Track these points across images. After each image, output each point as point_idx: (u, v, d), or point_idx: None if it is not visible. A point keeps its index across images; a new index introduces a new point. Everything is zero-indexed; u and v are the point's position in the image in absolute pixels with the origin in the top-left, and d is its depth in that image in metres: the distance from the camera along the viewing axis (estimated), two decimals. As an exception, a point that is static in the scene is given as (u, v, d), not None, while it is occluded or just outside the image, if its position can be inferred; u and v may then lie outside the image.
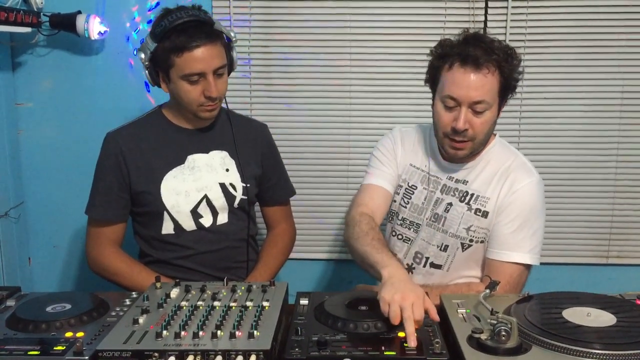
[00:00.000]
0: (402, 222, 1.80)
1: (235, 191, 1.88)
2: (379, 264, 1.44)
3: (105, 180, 1.79)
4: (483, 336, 1.19)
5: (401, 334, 1.21)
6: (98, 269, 1.82)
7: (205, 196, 1.84)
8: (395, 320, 1.21)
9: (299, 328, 1.23)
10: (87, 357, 1.13)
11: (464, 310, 1.35)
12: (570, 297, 1.37)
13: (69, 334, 1.22)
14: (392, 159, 1.81)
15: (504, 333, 1.15)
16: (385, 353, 1.14)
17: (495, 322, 1.18)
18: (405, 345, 1.16)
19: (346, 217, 1.75)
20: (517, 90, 1.67)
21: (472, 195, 1.70)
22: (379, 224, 1.72)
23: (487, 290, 1.39)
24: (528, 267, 1.67)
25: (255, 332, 1.18)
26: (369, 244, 1.54)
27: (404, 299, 1.24)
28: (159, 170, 1.80)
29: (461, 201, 1.71)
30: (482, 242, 1.70)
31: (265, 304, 1.33)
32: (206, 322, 1.24)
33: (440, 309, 1.38)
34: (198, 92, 1.72)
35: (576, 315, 1.28)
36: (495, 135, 1.75)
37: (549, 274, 2.34)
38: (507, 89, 1.62)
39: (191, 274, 1.83)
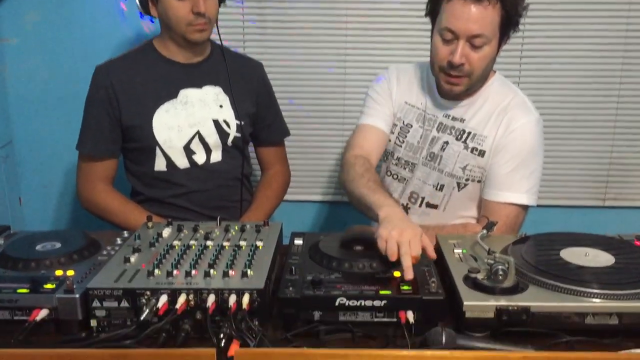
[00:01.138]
0: (397, 161, 1.77)
1: (229, 128, 1.83)
2: (375, 204, 1.41)
3: (95, 115, 1.75)
4: (479, 276, 1.17)
5: (397, 274, 1.19)
6: (89, 207, 1.79)
7: (198, 132, 1.79)
8: (393, 257, 1.19)
9: (293, 268, 1.21)
10: (77, 295, 1.11)
11: (460, 251, 1.33)
12: (568, 237, 1.35)
13: (59, 273, 1.20)
14: (388, 98, 1.76)
15: (501, 272, 1.13)
16: (380, 292, 1.12)
17: (492, 261, 1.16)
18: (402, 286, 1.15)
19: (341, 160, 1.72)
20: (519, 28, 1.60)
21: (469, 133, 1.66)
22: (375, 165, 1.71)
23: (484, 231, 1.37)
24: (525, 207, 1.65)
25: (248, 271, 1.16)
26: (364, 186, 1.52)
27: (401, 235, 1.21)
28: (151, 104, 1.75)
29: (457, 140, 1.67)
30: (478, 181, 1.67)
31: (259, 243, 1.31)
32: (199, 261, 1.22)
33: (437, 249, 1.36)
34: (187, 9, 1.66)
35: (574, 255, 1.26)
36: (495, 72, 1.70)
37: (544, 216, 2.33)
38: (508, 24, 1.56)
39: (184, 212, 1.80)
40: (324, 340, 1.11)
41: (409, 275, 1.15)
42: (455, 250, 1.33)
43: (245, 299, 1.10)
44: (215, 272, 1.17)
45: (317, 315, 1.13)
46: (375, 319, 1.13)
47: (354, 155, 1.68)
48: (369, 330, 1.12)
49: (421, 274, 1.20)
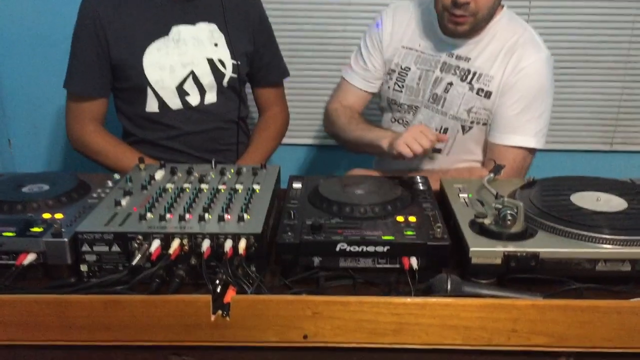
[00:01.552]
0: (400, 107, 1.70)
1: (225, 68, 1.75)
2: (375, 139, 1.48)
3: (82, 49, 1.66)
4: (486, 221, 1.12)
5: (400, 218, 1.14)
6: (79, 148, 1.73)
7: (192, 72, 1.71)
8: (418, 149, 1.39)
9: (292, 212, 1.16)
10: (66, 239, 1.06)
11: (466, 195, 1.28)
12: (578, 181, 1.30)
13: (46, 216, 1.14)
14: (377, 52, 1.71)
15: (509, 218, 1.08)
16: (383, 238, 1.07)
17: (500, 206, 1.11)
18: (406, 231, 1.10)
19: (324, 110, 1.79)
20: None
21: (475, 73, 1.58)
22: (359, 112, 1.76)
23: (491, 175, 1.31)
24: (532, 151, 1.59)
25: (245, 215, 1.11)
26: (356, 129, 1.59)
27: (410, 131, 1.41)
28: (141, 41, 1.66)
29: (462, 80, 1.59)
30: (484, 124, 1.60)
31: (255, 187, 1.25)
32: (193, 205, 1.16)
33: (441, 194, 1.31)
34: None
35: (585, 199, 1.21)
36: (503, 6, 1.60)
37: (548, 160, 2.26)
38: None
39: (177, 155, 1.74)
40: (324, 287, 1.07)
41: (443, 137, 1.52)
42: (461, 195, 1.28)
43: (242, 244, 1.05)
44: (210, 216, 1.11)
45: (316, 261, 1.08)
46: (378, 265, 1.08)
47: (334, 108, 1.74)
48: (371, 276, 1.08)
49: (425, 219, 1.15)
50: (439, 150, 1.67)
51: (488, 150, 1.61)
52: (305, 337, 0.98)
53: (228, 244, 1.05)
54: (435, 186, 1.35)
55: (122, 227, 1.08)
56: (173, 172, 1.33)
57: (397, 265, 1.08)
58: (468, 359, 0.99)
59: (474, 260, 1.06)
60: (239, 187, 1.25)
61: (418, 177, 1.36)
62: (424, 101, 1.65)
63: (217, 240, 1.06)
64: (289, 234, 1.09)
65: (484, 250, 1.06)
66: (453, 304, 0.95)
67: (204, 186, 1.25)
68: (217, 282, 1.00)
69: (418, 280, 1.04)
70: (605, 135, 2.38)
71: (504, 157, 1.54)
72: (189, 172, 1.33)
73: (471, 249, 1.06)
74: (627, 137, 2.38)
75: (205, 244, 1.05)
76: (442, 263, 1.08)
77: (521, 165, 1.56)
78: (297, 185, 1.31)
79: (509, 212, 1.08)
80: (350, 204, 1.17)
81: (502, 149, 1.57)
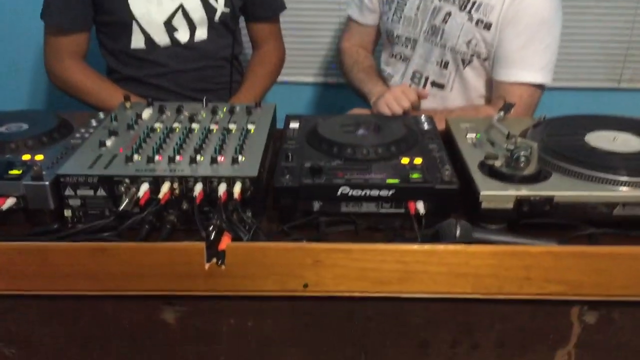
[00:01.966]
0: (397, 40, 1.62)
1: (216, 2, 1.64)
2: (366, 93, 1.55)
3: None
4: (497, 163, 1.05)
5: (405, 160, 1.07)
6: (60, 84, 1.63)
7: (181, 6, 1.60)
8: (396, 109, 1.34)
9: (289, 153, 1.08)
10: (47, 183, 0.99)
11: (474, 135, 1.20)
12: (593, 120, 1.22)
13: (26, 157, 1.07)
14: None
15: (522, 159, 1.01)
16: (387, 181, 1.00)
17: (512, 147, 1.04)
18: (412, 174, 1.02)
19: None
20: None
21: (474, 3, 1.48)
22: (370, 51, 1.79)
23: (501, 113, 1.24)
24: (540, 87, 1.50)
25: (240, 157, 1.03)
26: (355, 78, 1.66)
27: (392, 91, 1.38)
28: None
29: (461, 9, 1.49)
30: (484, 59, 1.51)
31: (250, 126, 1.17)
32: (183, 145, 1.08)
33: (447, 134, 1.24)
34: None
35: (601, 139, 1.13)
36: None
37: (552, 99, 2.17)
38: None
39: (166, 94, 1.65)
40: (325, 233, 1.01)
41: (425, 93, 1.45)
42: (469, 135, 1.20)
43: (237, 188, 0.98)
44: (202, 158, 1.04)
45: (316, 205, 1.01)
46: (382, 210, 1.02)
47: (343, 48, 1.78)
48: (374, 222, 1.02)
49: (432, 161, 1.08)
50: (441, 86, 1.58)
51: (494, 89, 1.53)
52: (305, 286, 0.92)
53: (222, 188, 0.97)
54: (440, 126, 1.28)
55: (108, 170, 1.00)
56: (161, 110, 1.25)
57: (402, 210, 1.01)
58: (478, 308, 0.94)
59: (484, 205, 0.99)
60: (232, 126, 1.17)
61: (423, 116, 1.28)
62: (421, 34, 1.56)
63: (210, 184, 0.99)
64: (287, 177, 1.01)
65: (495, 194, 0.99)
66: (463, 251, 0.90)
67: (194, 126, 1.17)
68: (211, 228, 0.94)
69: (424, 226, 0.98)
70: (613, 72, 2.28)
71: (511, 95, 1.46)
72: (179, 111, 1.25)
73: (481, 193, 0.99)
74: (636, 75, 2.28)
75: (198, 188, 0.98)
76: (450, 208, 1.01)
77: (529, 102, 1.48)
78: (294, 125, 1.23)
79: (522, 153, 1.01)
80: (351, 145, 1.10)
81: (507, 87, 1.48)
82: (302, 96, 2.39)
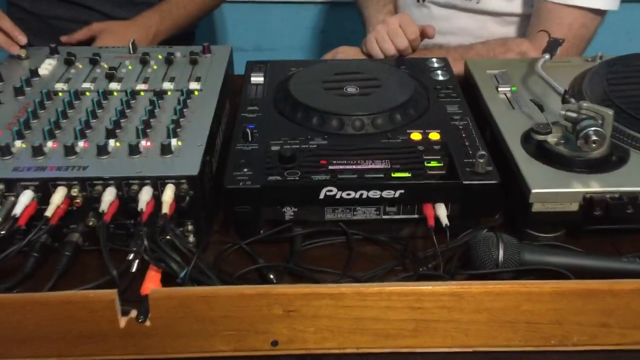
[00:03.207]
0: None
1: None
2: (367, 22, 1.18)
3: None
4: (551, 138, 0.72)
5: (416, 135, 0.74)
6: None
7: None
8: (378, 51, 1.02)
9: (248, 131, 0.74)
10: None
11: (508, 88, 0.86)
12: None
13: None
14: None
15: (595, 137, 0.67)
16: (393, 175, 0.67)
17: (575, 114, 0.70)
18: (429, 162, 0.69)
19: None
20: None
21: None
22: None
23: (547, 56, 0.88)
24: (599, 13, 1.11)
25: (174, 141, 0.69)
26: None
27: (387, 23, 1.02)
28: None
29: None
30: None
31: (193, 86, 0.82)
32: (91, 123, 0.74)
33: (467, 82, 0.90)
34: None
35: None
36: None
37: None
38: None
39: (80, 11, 1.24)
40: (302, 249, 0.69)
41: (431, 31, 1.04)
42: (501, 88, 0.86)
43: (168, 193, 0.64)
44: (118, 144, 0.70)
45: (289, 212, 0.69)
46: (385, 217, 0.70)
47: None
48: (374, 230, 0.70)
49: (455, 136, 0.74)
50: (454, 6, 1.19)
51: (533, 13, 1.14)
52: (274, 344, 0.61)
53: (145, 195, 0.64)
54: (456, 69, 0.94)
55: (-28, 169, 0.66)
56: (69, 62, 0.88)
57: (416, 216, 0.69)
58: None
59: (535, 208, 0.67)
60: (167, 86, 0.82)
61: (435, 59, 0.93)
62: None
63: (127, 187, 0.65)
64: (245, 171, 0.68)
65: (554, 193, 0.67)
66: (513, 292, 0.59)
67: (113, 86, 0.82)
68: (131, 257, 0.62)
69: (449, 237, 0.66)
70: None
71: (557, 22, 1.07)
72: (94, 62, 0.88)
73: (532, 191, 0.67)
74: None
75: (109, 196, 0.64)
76: (484, 211, 0.69)
77: (580, 34, 1.10)
78: (257, 78, 0.88)
79: (592, 128, 0.68)
80: (338, 115, 0.76)
81: (553, 10, 1.09)
82: (270, 16, 1.95)
